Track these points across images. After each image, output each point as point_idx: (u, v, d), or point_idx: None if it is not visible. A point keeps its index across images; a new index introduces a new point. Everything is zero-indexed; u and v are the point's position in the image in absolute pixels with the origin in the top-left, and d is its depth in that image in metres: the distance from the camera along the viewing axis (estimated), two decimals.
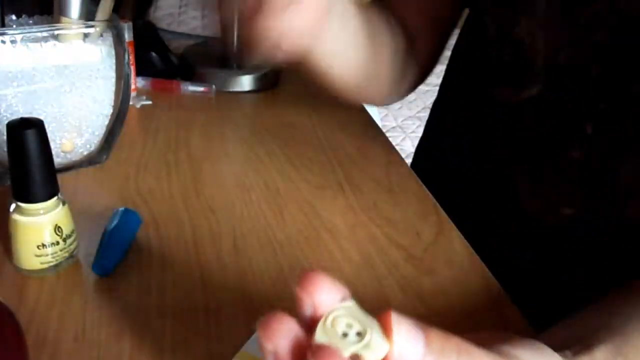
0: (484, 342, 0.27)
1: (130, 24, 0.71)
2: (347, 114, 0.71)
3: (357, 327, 0.23)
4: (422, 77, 0.60)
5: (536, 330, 0.38)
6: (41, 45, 0.50)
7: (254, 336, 0.37)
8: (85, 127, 0.55)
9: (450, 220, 0.52)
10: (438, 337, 0.24)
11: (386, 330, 0.23)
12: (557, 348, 0.30)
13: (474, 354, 0.25)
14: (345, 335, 0.23)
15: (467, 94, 0.57)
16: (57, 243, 0.42)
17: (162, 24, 1.03)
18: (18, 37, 0.49)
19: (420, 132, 0.74)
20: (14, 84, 0.50)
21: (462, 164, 0.58)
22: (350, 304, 0.24)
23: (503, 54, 0.47)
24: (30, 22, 0.58)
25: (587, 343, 0.31)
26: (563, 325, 0.34)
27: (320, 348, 0.22)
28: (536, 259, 0.50)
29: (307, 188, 0.56)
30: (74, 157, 0.56)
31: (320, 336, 0.23)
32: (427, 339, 0.24)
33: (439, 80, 0.65)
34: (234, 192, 0.54)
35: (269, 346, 0.23)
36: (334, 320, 0.23)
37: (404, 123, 1.83)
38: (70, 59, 0.52)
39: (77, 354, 0.36)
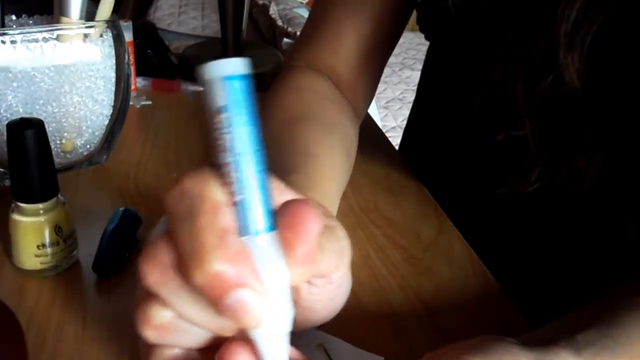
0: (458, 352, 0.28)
1: (130, 24, 0.71)
2: None
3: None
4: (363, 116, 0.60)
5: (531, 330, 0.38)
6: (41, 45, 0.50)
7: None
8: (85, 127, 0.55)
9: (450, 221, 0.52)
10: None
11: None
12: (546, 343, 0.30)
13: None
14: None
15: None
16: (57, 243, 0.42)
17: (162, 24, 1.03)
18: (18, 37, 0.49)
19: None
20: (14, 84, 0.50)
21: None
22: None
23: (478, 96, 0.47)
24: (30, 22, 0.58)
25: (571, 331, 0.31)
26: (555, 321, 0.34)
27: None
28: (535, 254, 0.50)
29: None
30: (74, 157, 0.56)
31: None
32: None
33: None
34: None
35: None
36: None
37: (404, 123, 1.83)
38: (70, 59, 0.52)
39: (77, 354, 0.36)
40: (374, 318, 0.40)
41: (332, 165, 0.43)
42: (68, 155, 0.55)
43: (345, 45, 0.54)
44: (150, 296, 0.25)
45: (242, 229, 0.24)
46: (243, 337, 0.25)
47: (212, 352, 0.27)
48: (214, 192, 0.24)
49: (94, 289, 0.42)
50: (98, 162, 0.58)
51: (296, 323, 0.28)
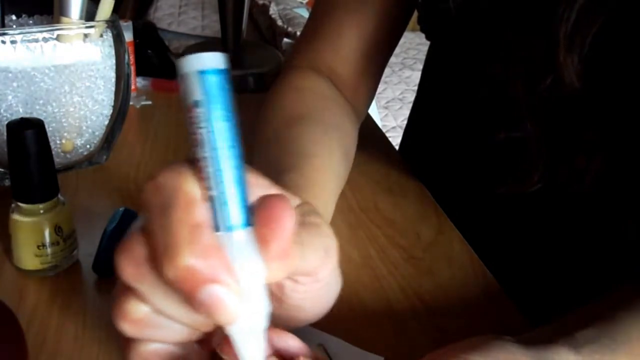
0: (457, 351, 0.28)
1: (130, 24, 0.71)
2: None
3: None
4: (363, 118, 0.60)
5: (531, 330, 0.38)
6: (41, 45, 0.50)
7: None
8: (85, 127, 0.55)
9: (450, 221, 0.52)
10: None
11: None
12: (545, 342, 0.30)
13: None
14: None
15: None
16: (57, 243, 0.42)
17: (162, 24, 1.03)
18: (18, 37, 0.49)
19: None
20: (14, 84, 0.50)
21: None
22: None
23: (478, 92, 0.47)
24: (30, 22, 0.58)
25: (571, 330, 0.31)
26: (554, 321, 0.34)
27: None
28: (535, 254, 0.50)
29: None
30: (74, 157, 0.56)
31: None
32: None
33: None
34: None
35: None
36: None
37: (404, 123, 1.84)
38: (70, 59, 0.52)
39: (77, 353, 0.36)
40: (374, 318, 0.40)
41: (329, 166, 0.43)
42: (68, 155, 0.55)
43: (345, 45, 0.54)
44: (127, 290, 0.25)
45: (217, 225, 0.24)
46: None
47: (190, 346, 0.27)
48: (189, 186, 0.24)
49: (94, 289, 0.42)
50: (98, 162, 0.58)
51: (284, 321, 0.28)
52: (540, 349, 0.29)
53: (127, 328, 0.26)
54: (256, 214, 0.24)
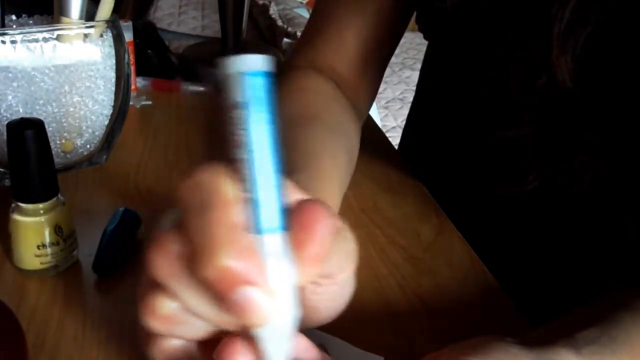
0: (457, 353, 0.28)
1: (130, 24, 0.71)
2: None
3: None
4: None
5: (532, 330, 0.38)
6: (41, 45, 0.50)
7: None
8: (85, 127, 0.55)
9: (450, 221, 0.52)
10: None
11: None
12: (546, 342, 0.30)
13: None
14: None
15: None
16: (57, 243, 0.42)
17: (162, 24, 1.03)
18: (18, 37, 0.49)
19: None
20: (14, 84, 0.50)
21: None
22: None
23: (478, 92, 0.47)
24: (30, 22, 0.58)
25: (571, 331, 0.31)
26: (555, 322, 0.34)
27: None
28: (535, 254, 0.50)
29: None
30: (74, 157, 0.56)
31: None
32: None
33: None
34: None
35: None
36: None
37: (404, 123, 1.83)
38: (70, 59, 0.52)
39: (77, 354, 0.36)
40: (374, 318, 0.40)
41: (335, 166, 0.43)
42: (68, 155, 0.55)
43: (346, 45, 0.54)
44: (156, 286, 0.25)
45: (253, 227, 0.24)
46: (243, 334, 0.25)
47: (211, 344, 0.27)
48: (227, 187, 0.24)
49: (94, 289, 0.42)
50: (98, 162, 0.58)
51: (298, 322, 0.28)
52: (542, 350, 0.29)
53: (154, 324, 0.26)
54: (292, 217, 0.25)
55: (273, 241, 0.24)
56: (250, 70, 0.23)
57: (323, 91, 0.52)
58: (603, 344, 0.31)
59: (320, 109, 0.50)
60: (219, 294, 0.23)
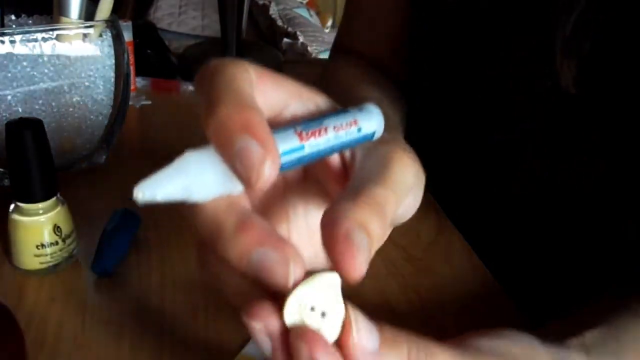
0: (464, 339, 0.28)
1: (130, 24, 0.71)
2: None
3: (320, 308, 0.24)
4: None
5: (537, 328, 0.38)
6: (41, 45, 0.50)
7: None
8: (85, 127, 0.55)
9: (450, 221, 0.52)
10: (390, 329, 0.26)
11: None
12: (550, 340, 0.30)
13: (426, 345, 0.26)
14: (312, 309, 0.24)
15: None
16: (57, 243, 0.42)
17: (162, 24, 1.03)
18: (17, 37, 0.49)
19: None
20: (13, 84, 0.50)
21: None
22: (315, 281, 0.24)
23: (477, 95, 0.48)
24: (30, 22, 0.58)
25: (577, 329, 0.31)
26: (559, 320, 0.34)
27: (303, 333, 0.22)
28: (535, 254, 0.50)
29: None
30: (74, 157, 0.56)
31: (290, 315, 0.23)
32: (380, 331, 0.25)
33: None
34: None
35: (257, 325, 0.22)
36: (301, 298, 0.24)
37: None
38: (70, 59, 0.52)
39: (77, 354, 0.36)
40: (374, 318, 0.40)
41: (394, 104, 0.48)
42: (67, 155, 0.55)
43: (382, 27, 0.59)
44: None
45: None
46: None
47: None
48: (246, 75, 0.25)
49: (93, 289, 0.42)
50: (98, 162, 0.58)
51: None
52: (554, 347, 0.29)
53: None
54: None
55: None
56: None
57: (371, 69, 0.57)
58: (609, 346, 0.31)
59: (375, 76, 0.54)
60: (220, 147, 0.23)
